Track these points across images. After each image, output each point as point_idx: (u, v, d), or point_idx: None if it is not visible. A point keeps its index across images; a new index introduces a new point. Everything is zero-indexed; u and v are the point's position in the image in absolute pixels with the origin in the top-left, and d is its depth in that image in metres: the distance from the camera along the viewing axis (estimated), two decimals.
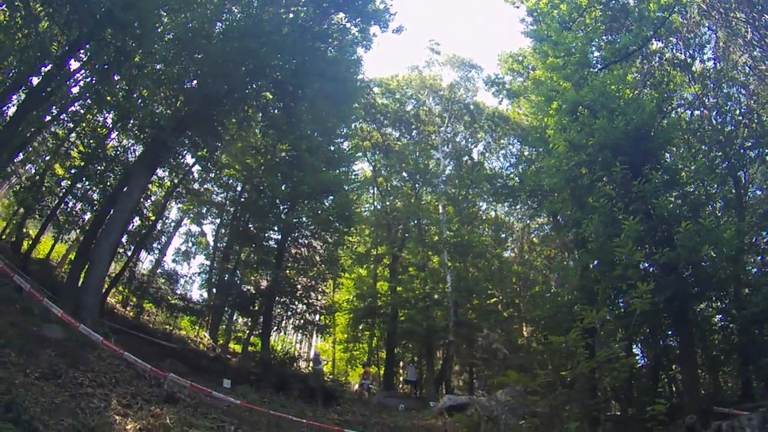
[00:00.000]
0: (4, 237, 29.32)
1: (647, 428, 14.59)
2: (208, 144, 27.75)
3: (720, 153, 24.73)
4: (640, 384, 24.84)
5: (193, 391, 14.04)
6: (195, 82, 24.70)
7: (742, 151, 24.67)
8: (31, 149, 28.16)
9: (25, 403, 8.88)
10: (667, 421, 13.95)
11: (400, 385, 40.96)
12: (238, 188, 36.99)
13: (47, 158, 28.88)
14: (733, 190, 24.23)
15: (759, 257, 24.20)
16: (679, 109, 29.14)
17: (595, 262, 24.32)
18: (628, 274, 18.83)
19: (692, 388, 20.41)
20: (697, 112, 28.55)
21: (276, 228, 31.22)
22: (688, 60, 28.54)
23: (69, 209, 29.24)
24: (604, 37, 29.86)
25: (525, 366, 35.53)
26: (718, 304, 23.49)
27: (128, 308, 32.74)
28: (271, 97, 28.26)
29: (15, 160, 26.80)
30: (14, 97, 21.81)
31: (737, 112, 26.63)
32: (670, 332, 24.37)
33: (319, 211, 30.68)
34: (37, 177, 28.17)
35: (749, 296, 20.34)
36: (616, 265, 20.20)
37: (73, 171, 28.32)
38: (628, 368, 18.38)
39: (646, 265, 22.09)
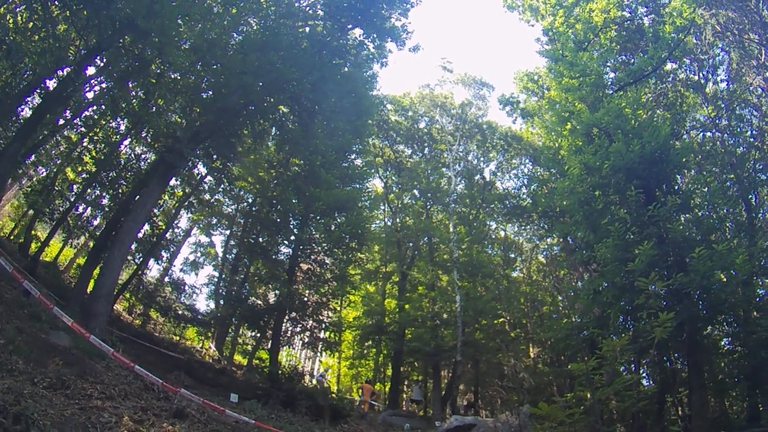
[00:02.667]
0: (12, 238, 29.38)
1: None
2: (222, 155, 27.74)
3: (732, 175, 24.60)
4: (645, 408, 24.67)
5: (203, 407, 13.90)
6: (211, 93, 24.67)
7: (753, 173, 24.55)
8: (43, 152, 28.23)
9: (34, 416, 8.76)
10: None
11: (403, 404, 40.74)
12: (250, 200, 37.00)
13: (59, 162, 28.98)
14: (744, 213, 24.09)
15: None
16: (691, 131, 29.10)
17: (606, 286, 24.19)
18: (650, 303, 18.73)
19: (701, 413, 20.22)
20: (709, 134, 28.46)
21: (287, 242, 31.13)
22: (702, 81, 28.54)
23: (79, 214, 29.29)
24: (618, 57, 29.87)
25: (540, 389, 35.51)
26: (727, 327, 23.36)
27: (134, 316, 32.73)
28: (286, 110, 28.28)
29: (27, 162, 26.84)
30: (29, 99, 21.89)
31: (749, 134, 26.54)
32: (677, 355, 24.21)
33: (332, 227, 30.36)
34: (48, 180, 28.25)
35: (759, 320, 20.15)
36: (629, 289, 20.07)
37: (84, 176, 28.39)
38: (643, 395, 18.35)
39: (656, 288, 22.00)
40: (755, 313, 21.67)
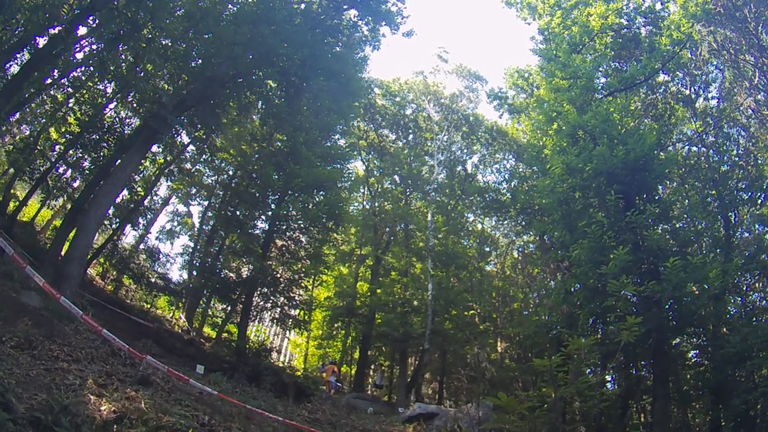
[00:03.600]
0: None
1: None
2: (206, 125, 27.50)
3: (713, 191, 24.80)
4: (609, 411, 24.90)
5: (168, 375, 13.89)
6: (200, 61, 24.51)
7: (735, 192, 24.76)
8: (28, 110, 27.92)
9: (0, 374, 8.75)
10: None
11: (369, 388, 40.91)
12: (230, 173, 36.82)
13: (43, 121, 28.66)
14: (722, 230, 24.32)
15: (740, 298, 24.34)
16: (677, 144, 29.30)
17: (578, 287, 24.39)
18: (619, 306, 18.93)
19: (663, 421, 20.50)
20: (695, 149, 28.65)
21: (264, 217, 31.05)
22: (692, 96, 28.69)
23: (59, 175, 29.04)
24: (611, 64, 29.97)
25: (499, 383, 35.75)
26: (696, 340, 23.62)
27: (107, 281, 32.55)
28: (274, 85, 28.14)
29: (11, 120, 26.51)
30: (18, 55, 21.64)
31: (735, 153, 26.73)
32: (643, 362, 24.46)
33: (310, 206, 30.26)
34: (31, 139, 27.94)
35: (728, 336, 20.38)
36: (600, 292, 20.26)
37: (67, 137, 28.09)
38: (606, 398, 18.51)
39: (630, 295, 22.18)
40: (725, 329, 21.94)
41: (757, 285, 24.77)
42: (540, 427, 15.46)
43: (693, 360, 24.36)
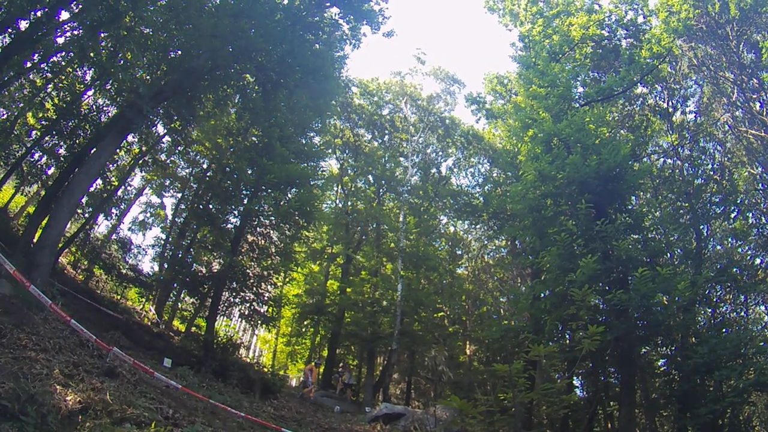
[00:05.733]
0: None
1: None
2: (182, 117, 27.35)
3: (686, 204, 25.11)
4: (576, 417, 25.11)
5: (134, 368, 13.85)
6: (180, 52, 24.40)
7: (708, 205, 25.07)
8: (6, 94, 27.62)
9: None
10: None
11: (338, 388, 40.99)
12: (204, 166, 36.67)
13: (21, 105, 28.35)
14: (694, 242, 24.61)
15: (711, 310, 24.67)
16: (652, 156, 29.62)
17: (547, 293, 24.59)
18: (580, 315, 19.12)
19: (627, 428, 20.74)
20: (669, 161, 29.01)
21: (236, 212, 30.96)
22: (670, 109, 29.03)
23: (34, 161, 28.79)
24: (590, 74, 30.23)
25: (466, 386, 35.92)
26: (664, 349, 23.89)
27: (78, 271, 32.28)
28: (252, 80, 28.03)
29: None
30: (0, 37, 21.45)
31: (710, 167, 27.10)
32: (612, 369, 24.71)
33: (282, 202, 30.19)
34: (8, 123, 27.65)
35: (696, 346, 20.64)
36: (568, 299, 20.45)
37: (44, 123, 27.84)
38: (567, 404, 18.66)
39: (598, 302, 22.41)
40: (693, 339, 22.23)
41: (727, 297, 25.14)
42: (501, 430, 15.63)
43: (662, 368, 24.64)
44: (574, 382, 27.21)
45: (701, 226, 24.86)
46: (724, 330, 22.23)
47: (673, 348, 22.87)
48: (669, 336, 21.78)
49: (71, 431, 8.81)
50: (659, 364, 25.14)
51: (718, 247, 27.51)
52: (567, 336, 24.83)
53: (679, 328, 21.29)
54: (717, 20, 26.84)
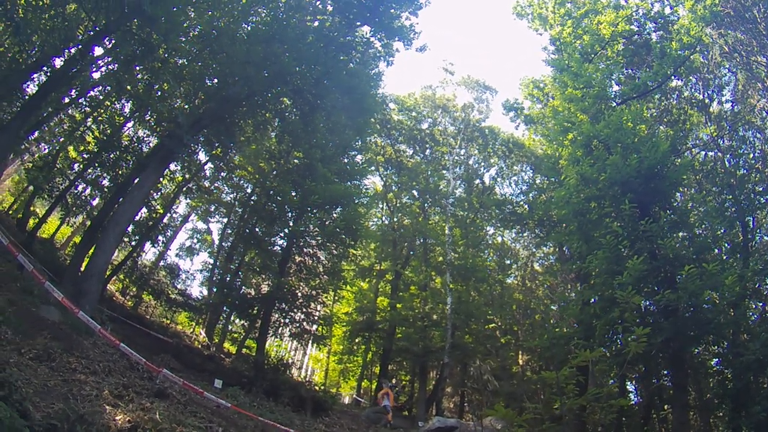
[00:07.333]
0: (11, 213, 29.56)
1: None
2: (223, 143, 27.78)
3: (730, 196, 24.60)
4: (631, 422, 24.71)
5: (184, 389, 14.02)
6: (216, 80, 24.76)
7: (752, 195, 24.54)
8: (47, 129, 28.28)
9: (18, 383, 8.89)
10: None
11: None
12: (248, 190, 37.07)
13: (62, 140, 29.00)
14: (741, 235, 24.12)
15: (761, 304, 24.07)
16: (693, 149, 29.14)
17: (596, 298, 24.28)
18: (626, 317, 18.85)
19: (681, 430, 20.32)
20: (711, 154, 28.49)
21: (282, 234, 31.14)
22: (706, 100, 28.52)
23: (78, 193, 29.37)
24: (624, 71, 29.94)
25: (515, 396, 35.60)
26: (716, 348, 23.38)
27: (127, 297, 32.86)
28: (289, 103, 28.29)
29: (30, 138, 26.88)
30: (35, 75, 21.95)
31: (751, 156, 26.52)
32: (665, 372, 24.25)
33: (327, 222, 30.19)
34: (50, 157, 28.30)
35: (747, 342, 20.14)
36: (616, 302, 20.17)
37: (86, 155, 28.47)
38: (617, 408, 18.37)
39: (647, 303, 22.06)
40: (745, 335, 21.70)
41: None
42: None
43: (715, 368, 24.08)
44: (627, 386, 26.81)
45: (747, 218, 24.27)
46: None
47: (725, 346, 22.36)
48: (719, 334, 21.05)
49: None
50: (712, 363, 24.56)
51: (766, 238, 26.84)
52: (618, 341, 24.43)
53: (729, 325, 20.70)
54: (743, 3, 26.39)
